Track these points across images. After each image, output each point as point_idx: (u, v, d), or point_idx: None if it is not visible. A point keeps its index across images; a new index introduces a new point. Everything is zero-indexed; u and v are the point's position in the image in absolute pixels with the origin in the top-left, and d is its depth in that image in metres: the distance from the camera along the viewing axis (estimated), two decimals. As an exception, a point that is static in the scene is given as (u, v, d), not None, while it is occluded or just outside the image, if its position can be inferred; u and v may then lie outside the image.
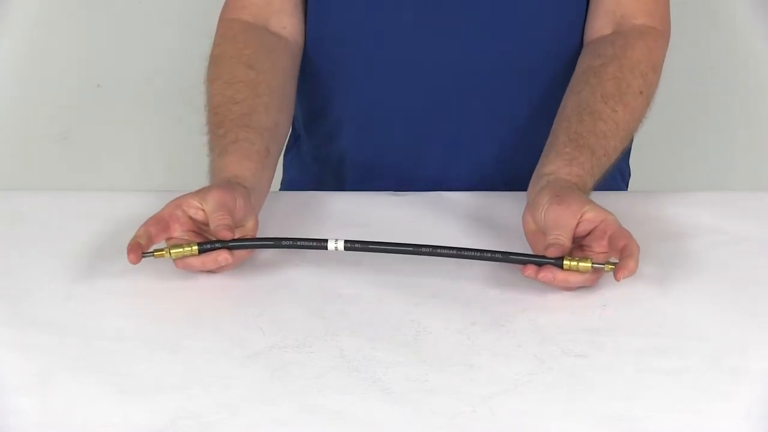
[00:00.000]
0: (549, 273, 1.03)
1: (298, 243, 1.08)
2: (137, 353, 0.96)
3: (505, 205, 1.19)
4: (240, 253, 1.07)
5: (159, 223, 1.06)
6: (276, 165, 1.21)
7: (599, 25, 1.28)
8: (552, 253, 1.03)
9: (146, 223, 1.06)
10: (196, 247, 1.05)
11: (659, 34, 1.28)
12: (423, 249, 1.07)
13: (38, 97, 1.96)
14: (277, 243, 1.08)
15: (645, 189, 1.37)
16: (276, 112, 1.23)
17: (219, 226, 1.05)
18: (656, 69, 1.26)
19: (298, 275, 1.09)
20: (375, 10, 1.27)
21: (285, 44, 1.29)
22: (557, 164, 1.13)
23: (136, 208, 1.17)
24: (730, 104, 1.95)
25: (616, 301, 1.04)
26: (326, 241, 1.07)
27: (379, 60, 1.29)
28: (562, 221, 1.05)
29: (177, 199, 1.08)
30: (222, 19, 1.30)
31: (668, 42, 1.29)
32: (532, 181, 1.14)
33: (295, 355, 0.96)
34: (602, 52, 1.24)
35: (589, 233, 1.06)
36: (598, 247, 1.06)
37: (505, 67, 1.28)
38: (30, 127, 1.98)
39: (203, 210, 1.07)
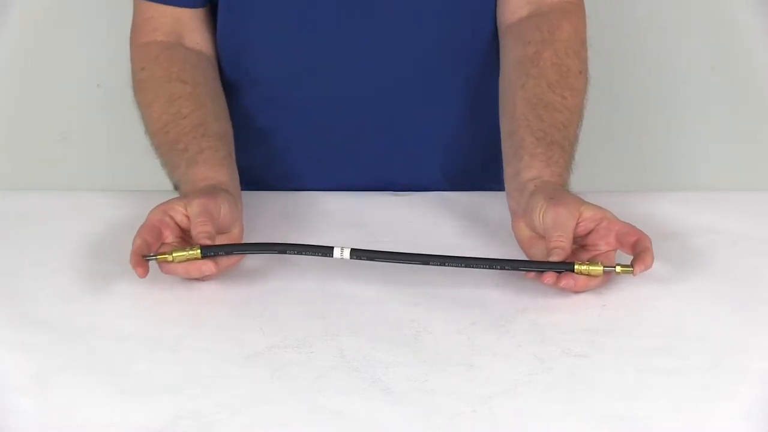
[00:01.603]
0: (570, 280, 1.03)
1: (304, 251, 1.07)
2: (137, 353, 0.96)
3: (505, 205, 1.19)
4: (224, 262, 1.06)
5: (152, 231, 1.06)
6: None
7: (514, 6, 1.27)
8: (556, 258, 1.03)
9: (140, 233, 1.06)
10: (198, 251, 1.04)
11: (577, 7, 1.27)
12: (431, 260, 1.06)
13: (38, 97, 1.96)
14: (282, 249, 1.07)
15: (645, 189, 1.36)
16: (223, 120, 1.24)
17: (200, 234, 1.05)
18: (584, 44, 1.26)
19: (298, 275, 1.09)
20: (287, 14, 1.26)
21: (204, 57, 1.29)
22: (537, 168, 1.13)
23: (136, 208, 1.17)
24: (730, 104, 1.95)
25: (616, 301, 1.04)
26: (332, 249, 1.06)
27: (295, 67, 1.28)
28: (561, 222, 1.05)
29: (162, 205, 1.08)
30: (136, 45, 1.29)
31: (584, 11, 1.28)
32: (512, 189, 1.14)
33: (295, 355, 0.96)
34: (530, 38, 1.23)
35: (590, 232, 1.06)
36: (605, 245, 1.05)
37: (429, 57, 1.28)
38: (30, 127, 1.98)
39: (188, 216, 1.07)
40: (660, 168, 1.97)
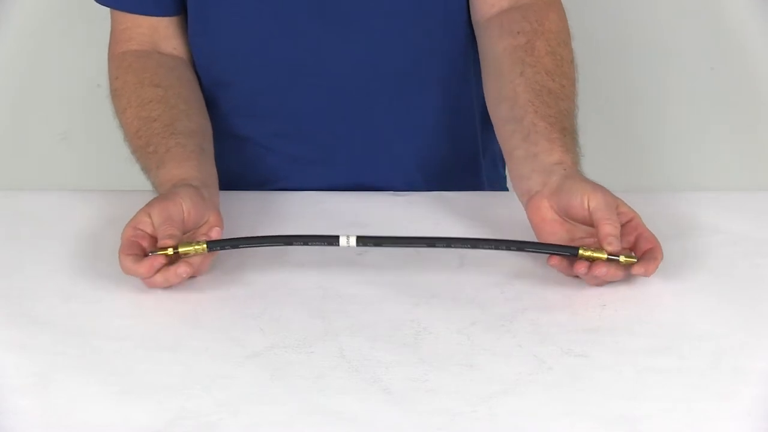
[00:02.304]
0: (602, 268, 1.03)
1: (309, 242, 1.07)
2: (137, 353, 0.96)
3: (505, 205, 1.19)
4: (198, 262, 1.06)
5: (132, 247, 1.05)
6: (213, 161, 1.21)
7: None
8: (610, 248, 1.03)
9: (122, 253, 1.05)
10: (204, 246, 1.04)
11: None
12: (437, 243, 1.06)
13: (38, 97, 1.96)
14: (288, 241, 1.07)
15: (645, 189, 1.37)
16: (197, 117, 1.24)
17: (164, 238, 1.05)
18: (570, 34, 1.26)
19: (298, 275, 1.09)
20: (257, 19, 1.26)
21: (181, 61, 1.30)
22: (558, 153, 1.12)
23: (136, 208, 1.17)
24: (730, 104, 1.95)
25: (616, 301, 1.04)
26: (338, 237, 1.06)
27: (268, 72, 1.28)
28: (610, 208, 1.05)
29: (131, 221, 1.08)
30: (113, 55, 1.30)
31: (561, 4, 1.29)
32: (529, 170, 1.12)
33: (295, 355, 0.96)
34: (519, 28, 1.23)
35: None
36: (626, 242, 1.06)
37: (403, 59, 1.28)
38: (30, 127, 1.98)
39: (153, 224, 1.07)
40: (660, 168, 1.97)
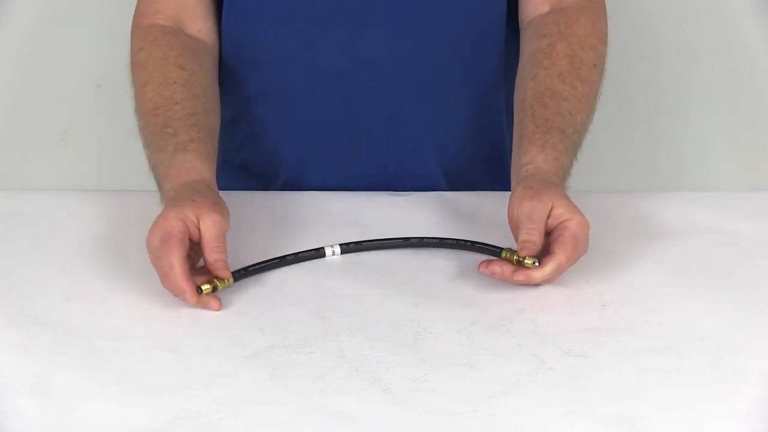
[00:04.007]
0: (496, 266, 1.05)
1: (300, 255, 1.10)
2: (137, 353, 0.96)
3: (505, 205, 1.19)
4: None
5: (182, 246, 1.03)
6: None
7: (535, 3, 1.28)
8: (524, 251, 1.04)
9: (173, 254, 1.03)
10: (232, 280, 1.05)
11: (597, 5, 1.28)
12: (412, 241, 1.14)
13: (38, 97, 1.96)
14: (280, 264, 1.10)
15: (645, 189, 1.37)
16: (212, 114, 1.24)
17: (217, 262, 1.04)
18: (603, 40, 1.26)
19: (298, 275, 1.09)
20: (291, 5, 1.26)
21: (204, 46, 1.29)
22: (532, 152, 1.14)
23: (137, 208, 1.17)
24: (730, 104, 1.95)
25: (616, 301, 1.04)
26: (323, 248, 1.11)
27: (300, 57, 1.28)
28: (535, 215, 1.06)
29: (175, 213, 1.06)
30: (138, 26, 1.29)
31: (606, 11, 1.29)
32: (512, 173, 1.16)
33: (295, 355, 0.96)
34: (546, 31, 1.25)
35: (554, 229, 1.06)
36: (551, 244, 1.06)
37: (434, 56, 1.28)
38: (30, 127, 1.98)
39: (199, 229, 1.06)
40: (660, 168, 1.97)
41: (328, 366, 0.94)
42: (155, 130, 1.19)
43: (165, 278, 1.03)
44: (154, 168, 1.17)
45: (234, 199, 1.20)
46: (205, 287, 1.02)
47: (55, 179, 1.99)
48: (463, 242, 1.13)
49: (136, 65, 1.26)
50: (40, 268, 1.10)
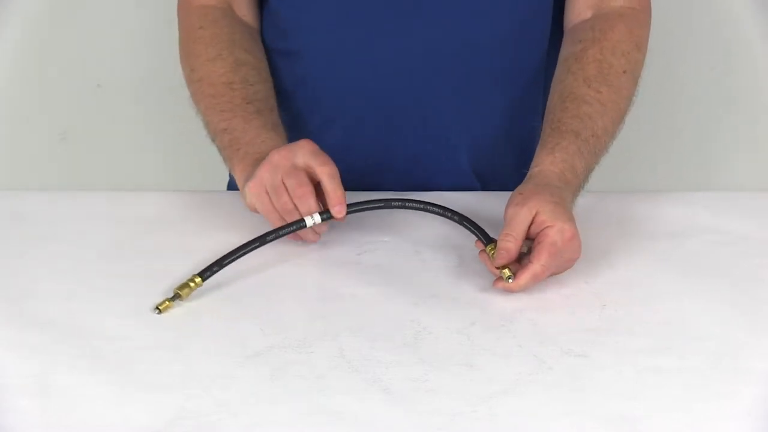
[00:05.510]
0: (500, 285, 1.05)
1: (280, 232, 1.10)
2: (137, 353, 0.96)
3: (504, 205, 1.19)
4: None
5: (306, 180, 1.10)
6: None
7: (579, 8, 1.29)
8: (499, 259, 1.04)
9: (304, 185, 1.09)
10: (200, 279, 1.05)
11: (639, 13, 1.28)
12: (393, 202, 1.15)
13: (38, 97, 1.96)
14: (262, 241, 1.09)
15: (645, 189, 1.36)
16: (274, 100, 1.26)
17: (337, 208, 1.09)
18: (640, 47, 1.26)
19: (298, 275, 1.09)
20: None
21: (255, 32, 1.32)
22: (541, 156, 1.15)
23: (137, 208, 1.17)
24: (731, 104, 1.95)
25: (616, 301, 1.04)
26: (303, 220, 1.10)
27: (339, 48, 1.28)
28: (515, 221, 1.06)
29: (288, 156, 1.11)
30: (192, 7, 1.31)
31: (650, 18, 1.30)
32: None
33: (295, 355, 0.96)
34: (582, 36, 1.25)
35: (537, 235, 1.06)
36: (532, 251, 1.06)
37: (476, 55, 1.28)
38: (30, 127, 1.98)
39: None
40: (660, 168, 1.97)
41: (328, 366, 0.94)
42: (236, 104, 1.22)
43: (304, 196, 1.09)
44: (231, 131, 1.19)
45: (237, 198, 1.20)
46: (163, 305, 1.02)
47: (55, 179, 1.99)
48: (450, 213, 1.13)
49: (198, 41, 1.28)
50: (40, 268, 1.10)
